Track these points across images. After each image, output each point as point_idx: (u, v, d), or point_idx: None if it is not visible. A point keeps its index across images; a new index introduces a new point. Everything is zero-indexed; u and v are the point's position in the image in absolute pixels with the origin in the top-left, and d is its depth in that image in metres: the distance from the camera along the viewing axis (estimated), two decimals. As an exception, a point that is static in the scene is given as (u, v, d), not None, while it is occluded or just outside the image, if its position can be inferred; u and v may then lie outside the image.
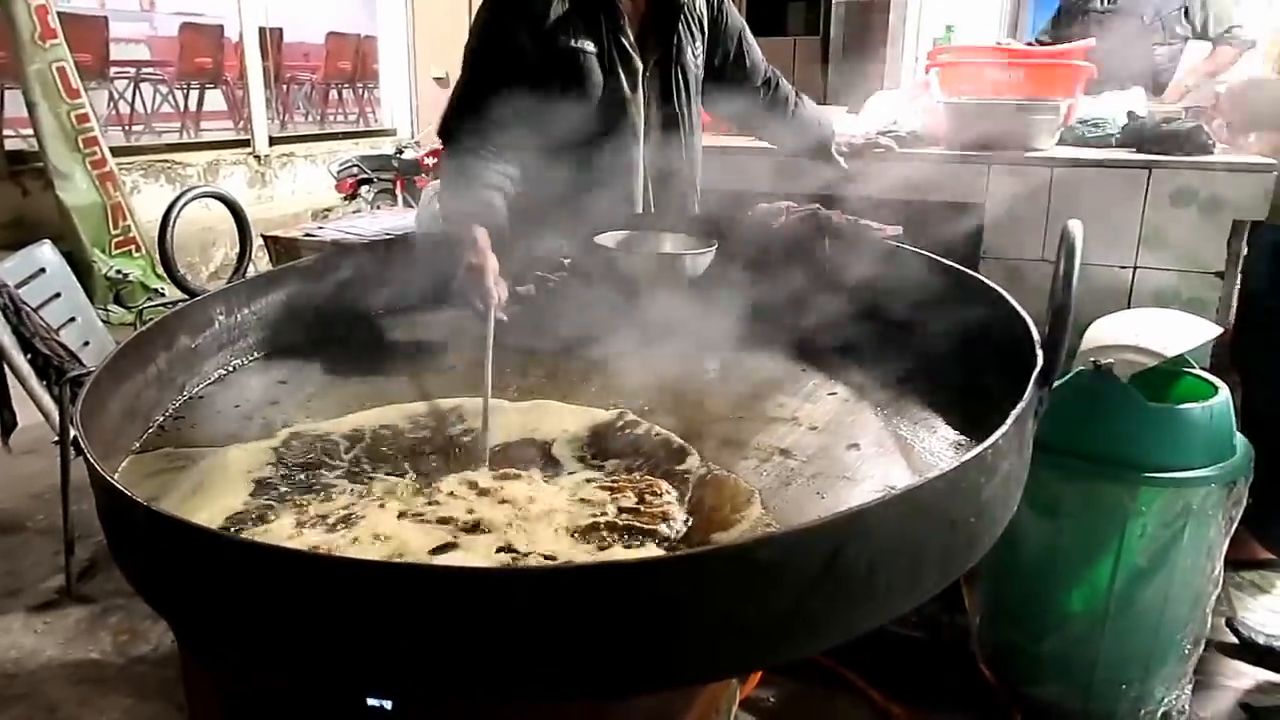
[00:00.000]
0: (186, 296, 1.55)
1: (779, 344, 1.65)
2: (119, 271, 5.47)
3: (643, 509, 1.13)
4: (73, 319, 2.88)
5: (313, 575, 0.85)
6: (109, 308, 5.38)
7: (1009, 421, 1.05)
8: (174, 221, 1.48)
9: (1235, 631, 2.35)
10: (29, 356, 2.55)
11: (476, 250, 1.66)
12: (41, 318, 2.64)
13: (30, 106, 5.28)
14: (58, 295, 2.85)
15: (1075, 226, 1.15)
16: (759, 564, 0.85)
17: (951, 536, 1.00)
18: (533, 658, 0.84)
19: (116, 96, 8.08)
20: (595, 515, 1.11)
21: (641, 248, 1.91)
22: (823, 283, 1.72)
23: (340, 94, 10.04)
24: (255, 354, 1.66)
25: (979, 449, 1.00)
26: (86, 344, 2.85)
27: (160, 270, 5.50)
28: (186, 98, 8.33)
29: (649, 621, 0.84)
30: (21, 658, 2.40)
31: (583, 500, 1.17)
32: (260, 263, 4.48)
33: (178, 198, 1.48)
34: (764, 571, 0.85)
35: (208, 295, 1.56)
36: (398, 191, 6.58)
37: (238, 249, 1.66)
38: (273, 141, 7.35)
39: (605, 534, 1.08)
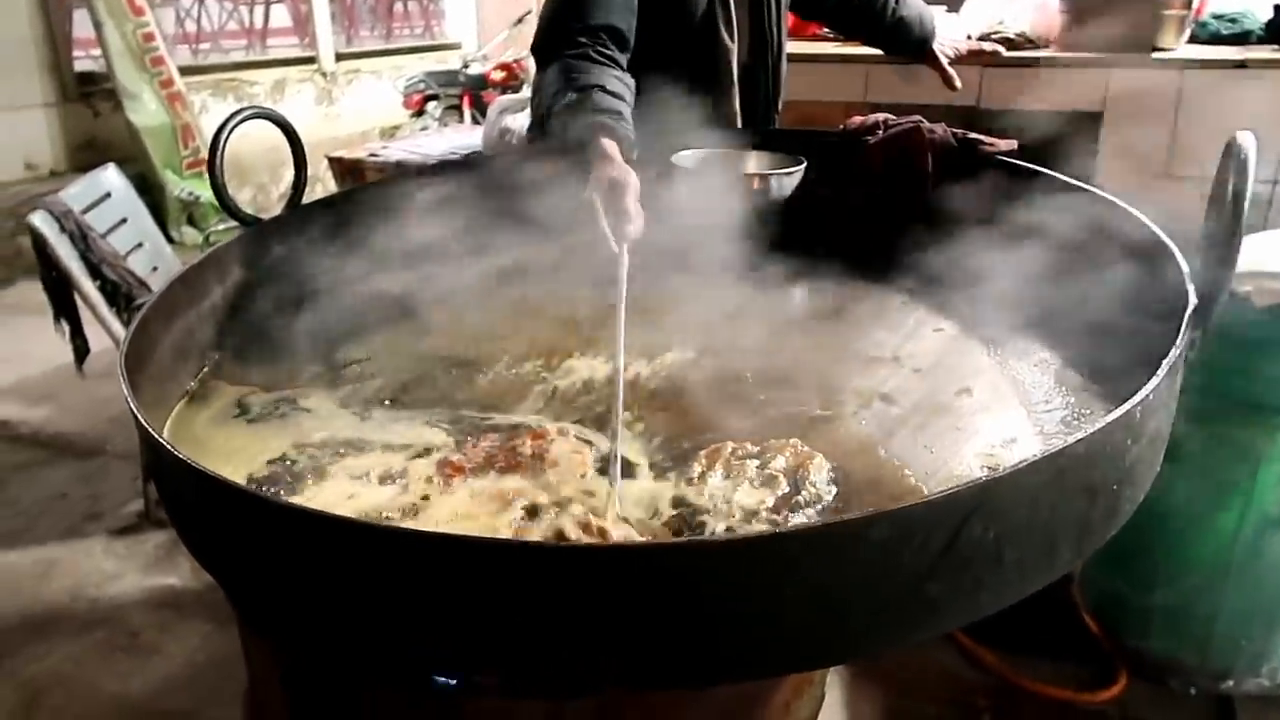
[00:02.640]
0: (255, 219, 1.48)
1: (876, 274, 1.53)
2: (190, 193, 5.49)
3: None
4: (140, 244, 2.85)
5: (370, 545, 0.77)
6: (181, 229, 5.43)
7: (1161, 372, 0.91)
8: (224, 145, 1.40)
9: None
10: (98, 283, 2.54)
11: (614, 164, 1.36)
12: (109, 243, 2.61)
13: (97, 26, 5.27)
14: (124, 220, 2.81)
15: (1246, 140, 0.99)
16: (871, 543, 0.75)
17: (1090, 507, 0.89)
18: (612, 642, 0.75)
19: (183, 14, 8.05)
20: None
21: (723, 168, 1.77)
22: (925, 205, 1.58)
23: (405, 6, 9.88)
24: (313, 285, 1.58)
25: (1127, 406, 0.87)
26: (155, 269, 2.83)
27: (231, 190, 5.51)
28: (252, 13, 8.27)
29: (742, 605, 0.75)
30: (103, 582, 2.45)
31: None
32: (327, 185, 4.43)
33: (227, 120, 1.39)
34: (877, 551, 0.75)
35: (263, 224, 1.49)
36: (465, 108, 6.46)
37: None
38: (339, 58, 7.26)
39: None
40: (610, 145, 1.41)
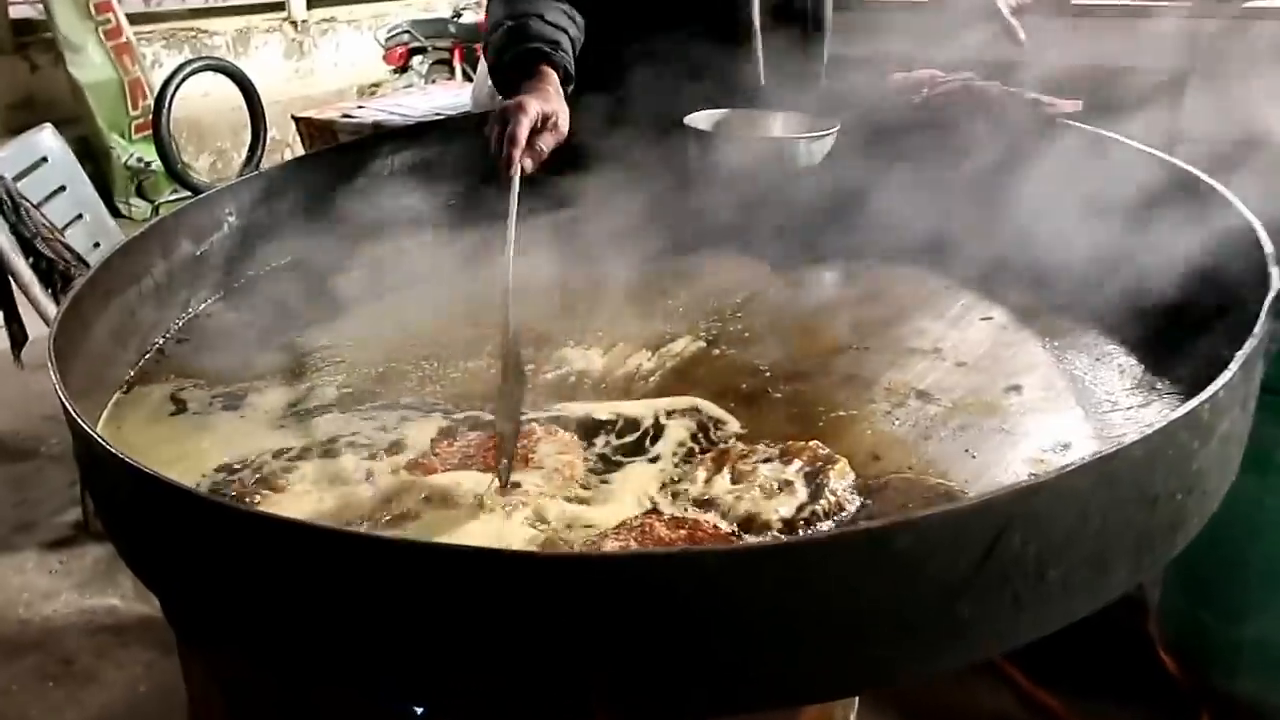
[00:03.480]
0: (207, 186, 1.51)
1: (917, 254, 1.53)
2: (140, 159, 5.54)
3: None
4: (80, 216, 2.89)
5: (320, 552, 0.79)
6: (130, 201, 5.49)
7: (1234, 366, 0.92)
8: (170, 101, 1.43)
9: None
10: (30, 261, 2.57)
11: (531, 90, 1.44)
12: (44, 215, 2.65)
13: (33, -34, 5.35)
14: (62, 189, 2.86)
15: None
16: (893, 555, 0.76)
17: (1150, 518, 0.89)
18: (596, 665, 0.77)
19: (134, -47, 8.13)
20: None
21: (745, 130, 1.79)
22: (977, 174, 1.58)
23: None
24: (271, 262, 1.61)
25: (1192, 404, 0.88)
26: (97, 245, 2.87)
27: (187, 158, 5.56)
28: (213, -47, 8.34)
29: (743, 624, 0.76)
30: (34, 601, 2.49)
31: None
32: (295, 150, 4.47)
33: (174, 73, 1.42)
34: (899, 565, 0.76)
35: (214, 193, 1.52)
36: (455, 62, 6.50)
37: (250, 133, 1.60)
38: (311, 4, 7.30)
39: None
40: (542, 73, 1.50)
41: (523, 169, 1.35)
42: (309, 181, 1.69)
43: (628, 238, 1.55)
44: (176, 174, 1.46)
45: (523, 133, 1.36)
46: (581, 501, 1.04)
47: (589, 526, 0.99)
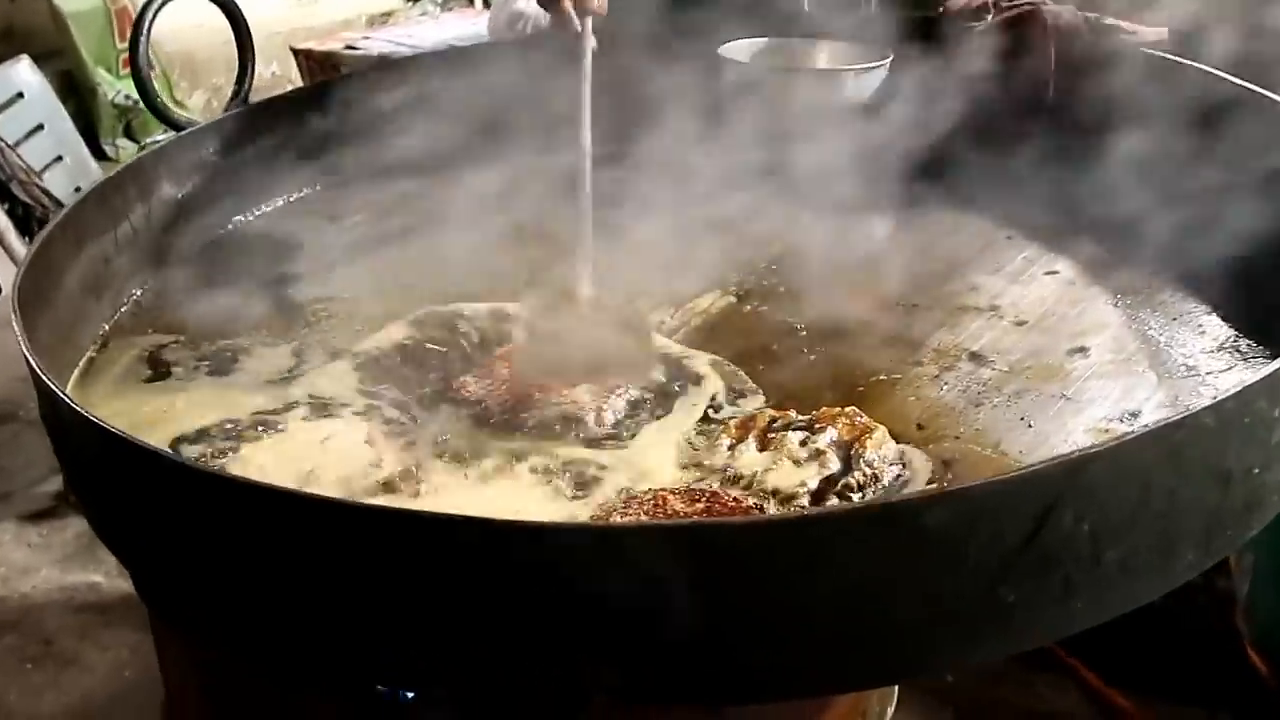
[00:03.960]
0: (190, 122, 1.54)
1: (976, 200, 1.54)
2: (128, 97, 5.56)
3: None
4: (60, 158, 2.93)
5: (294, 519, 0.81)
6: (117, 142, 5.52)
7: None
8: (148, 29, 1.43)
9: None
10: (6, 206, 2.61)
11: None
12: (20, 156, 2.69)
13: (12, -119, 5.36)
14: (40, 128, 2.90)
15: None
16: (927, 533, 0.75)
17: (1223, 496, 0.88)
18: (600, 645, 0.78)
19: None
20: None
21: (785, 62, 1.78)
22: (1044, 110, 1.58)
23: None
24: (261, 207, 1.63)
25: (1272, 368, 0.87)
26: (78, 189, 2.91)
27: (180, 95, 5.60)
28: None
29: (762, 605, 0.76)
30: (12, 577, 2.53)
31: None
32: (296, 85, 4.48)
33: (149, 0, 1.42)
34: (935, 544, 0.76)
35: (197, 130, 1.54)
36: (474, -12, 6.46)
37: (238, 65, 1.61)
38: (316, -77, 7.29)
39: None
40: None
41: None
42: (303, 118, 1.70)
43: (652, 180, 1.56)
44: (156, 109, 1.47)
45: None
46: (592, 474, 1.05)
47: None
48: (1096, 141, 1.49)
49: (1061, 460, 0.79)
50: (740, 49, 1.76)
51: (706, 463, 1.05)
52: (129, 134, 5.61)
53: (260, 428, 1.11)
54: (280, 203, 1.65)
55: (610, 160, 1.57)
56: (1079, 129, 1.51)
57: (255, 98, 1.71)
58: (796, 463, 1.03)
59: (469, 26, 3.97)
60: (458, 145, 1.74)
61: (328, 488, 1.01)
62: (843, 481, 1.00)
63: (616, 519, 0.97)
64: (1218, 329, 1.23)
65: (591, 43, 1.41)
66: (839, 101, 1.66)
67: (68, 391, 0.99)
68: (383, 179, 1.71)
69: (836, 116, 1.63)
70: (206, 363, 1.26)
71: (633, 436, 1.10)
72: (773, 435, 1.07)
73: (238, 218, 1.60)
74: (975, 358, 1.21)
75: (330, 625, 0.83)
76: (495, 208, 1.58)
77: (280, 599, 0.85)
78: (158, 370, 1.25)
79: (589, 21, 1.43)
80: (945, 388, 1.16)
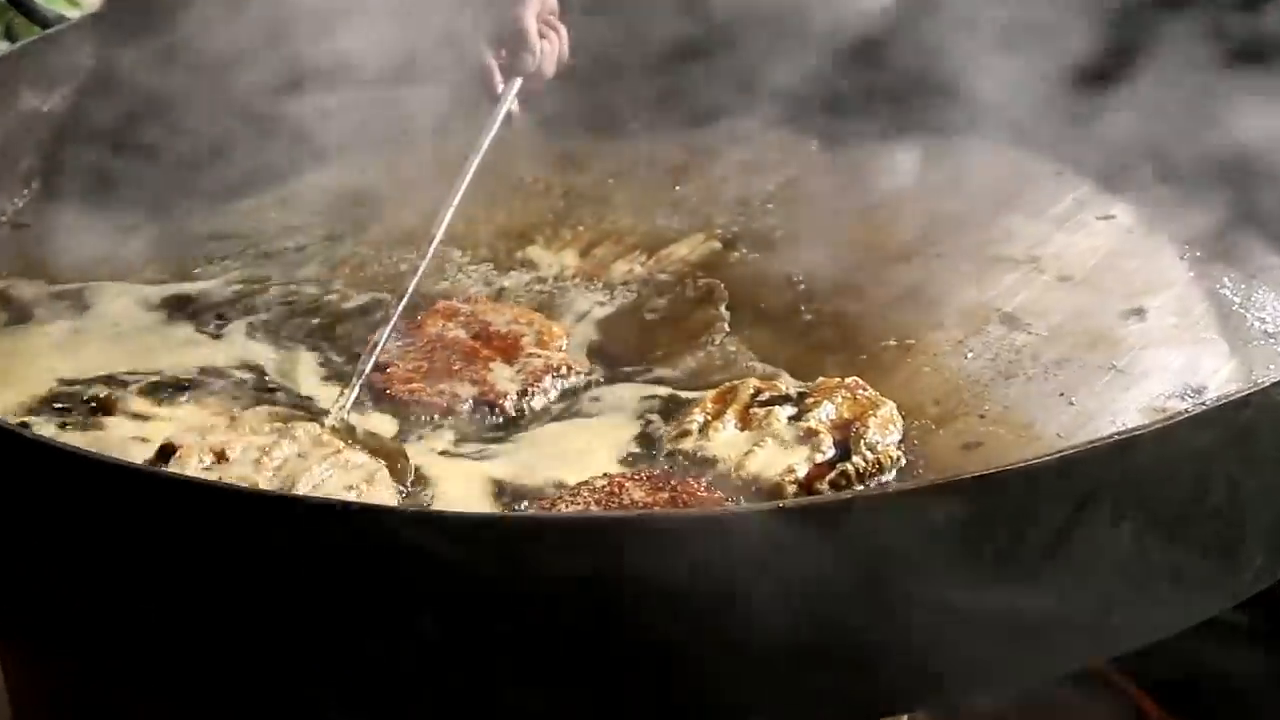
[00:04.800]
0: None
1: (1017, 127, 1.52)
2: (7, -8, 5.56)
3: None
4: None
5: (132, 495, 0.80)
6: (-8, 44, 5.50)
7: None
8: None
9: None
10: None
11: None
12: None
13: None
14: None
15: None
16: (934, 529, 0.75)
17: (1301, 489, 0.88)
18: (515, 664, 0.76)
19: None
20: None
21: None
22: (1103, 14, 1.55)
23: None
24: (149, 124, 1.59)
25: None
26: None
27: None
28: None
29: (729, 616, 0.75)
30: None
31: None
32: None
33: None
34: (943, 543, 0.75)
35: (67, 27, 1.53)
36: None
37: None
38: None
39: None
40: None
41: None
42: (203, 17, 1.67)
43: (623, 100, 1.57)
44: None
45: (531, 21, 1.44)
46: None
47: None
48: (1166, 54, 1.48)
49: (1099, 443, 0.79)
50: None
51: (676, 440, 1.04)
52: (10, 36, 5.59)
53: (122, 389, 1.12)
54: (172, 116, 1.62)
55: (571, 74, 1.57)
56: (1147, 39, 1.49)
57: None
58: (784, 445, 1.02)
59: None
60: (397, 46, 1.73)
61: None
62: (839, 468, 0.99)
63: (564, 508, 0.96)
64: (1309, 290, 1.23)
65: (509, 108, 1.40)
66: (849, 4, 1.64)
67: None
68: (309, 84, 1.68)
69: (847, 24, 1.61)
70: (69, 307, 1.27)
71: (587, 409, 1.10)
72: (756, 411, 1.06)
73: (117, 137, 1.57)
74: (1008, 320, 1.21)
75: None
76: (436, 128, 1.58)
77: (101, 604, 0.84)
78: (9, 315, 1.26)
79: (515, 85, 1.41)
80: (970, 356, 1.16)
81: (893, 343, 1.18)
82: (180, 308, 1.27)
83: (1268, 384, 0.82)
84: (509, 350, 1.16)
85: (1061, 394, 1.10)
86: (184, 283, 1.31)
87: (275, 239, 1.41)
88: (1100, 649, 0.87)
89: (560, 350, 1.16)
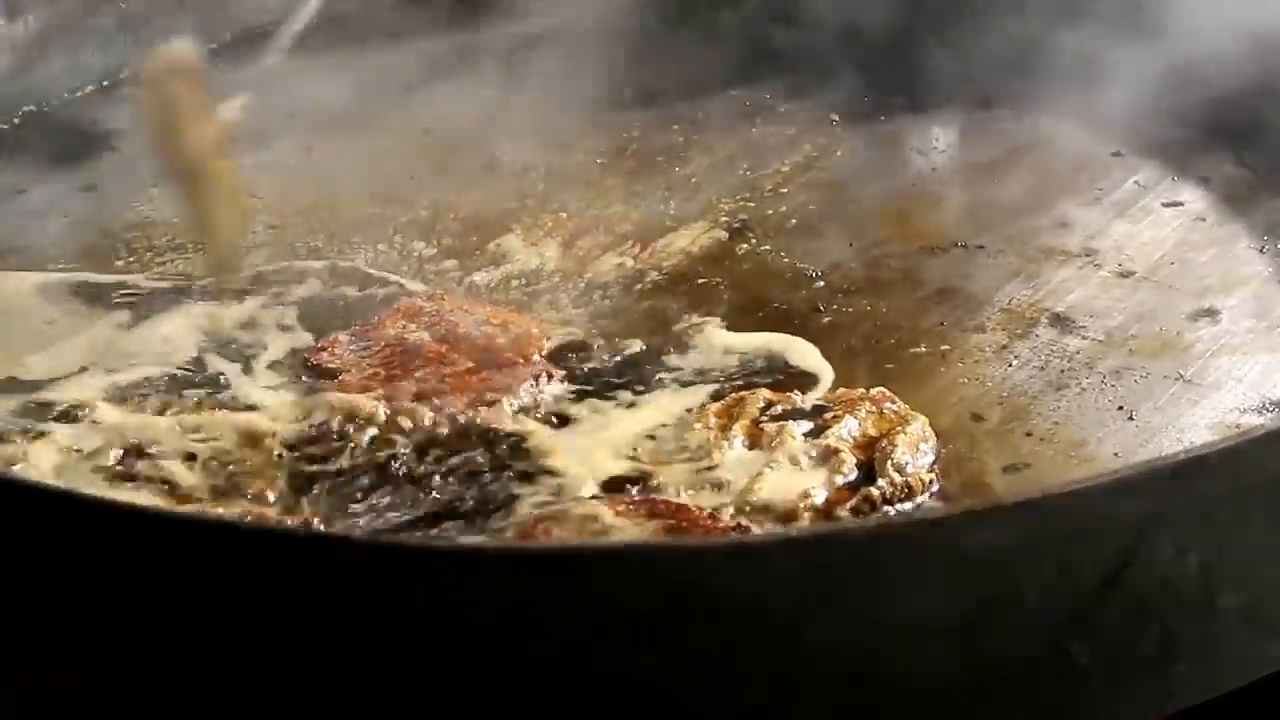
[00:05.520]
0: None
1: (1072, 100, 1.53)
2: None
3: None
4: None
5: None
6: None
7: None
8: None
9: None
10: None
11: None
12: None
13: None
14: None
15: None
16: (964, 566, 0.75)
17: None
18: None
19: None
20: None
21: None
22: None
23: None
24: (63, 94, 1.63)
25: None
26: None
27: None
28: None
29: (724, 659, 0.75)
30: None
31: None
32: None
33: None
34: (975, 583, 0.76)
35: None
36: None
37: None
38: None
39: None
40: None
41: None
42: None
43: (616, 68, 1.57)
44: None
45: None
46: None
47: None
48: (1246, 19, 1.47)
49: (1159, 465, 0.79)
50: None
51: (669, 466, 1.04)
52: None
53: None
54: (91, 88, 1.64)
55: (556, 35, 1.59)
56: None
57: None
58: (799, 466, 1.02)
59: None
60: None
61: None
62: (863, 493, 1.00)
63: (540, 538, 0.97)
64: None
65: None
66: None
67: None
68: (243, 55, 1.69)
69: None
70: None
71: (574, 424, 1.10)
72: (767, 426, 1.06)
73: (28, 107, 1.60)
74: (1060, 321, 1.22)
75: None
76: (401, 102, 1.61)
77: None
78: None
79: None
80: (1015, 363, 1.16)
81: (925, 348, 1.18)
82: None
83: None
84: (480, 356, 1.16)
85: (1120, 407, 1.11)
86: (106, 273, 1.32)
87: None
88: (1160, 703, 0.87)
89: (538, 356, 1.16)
